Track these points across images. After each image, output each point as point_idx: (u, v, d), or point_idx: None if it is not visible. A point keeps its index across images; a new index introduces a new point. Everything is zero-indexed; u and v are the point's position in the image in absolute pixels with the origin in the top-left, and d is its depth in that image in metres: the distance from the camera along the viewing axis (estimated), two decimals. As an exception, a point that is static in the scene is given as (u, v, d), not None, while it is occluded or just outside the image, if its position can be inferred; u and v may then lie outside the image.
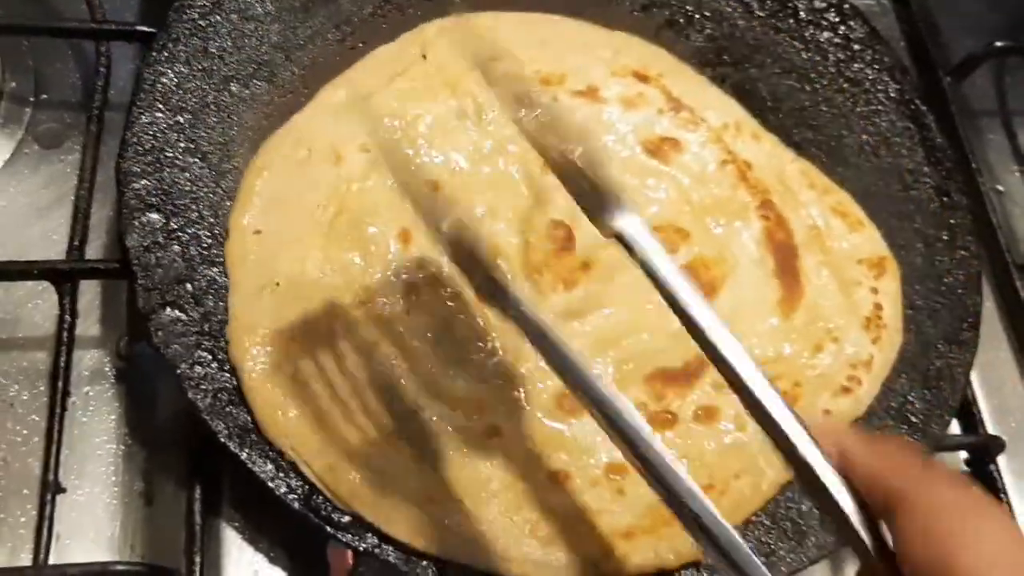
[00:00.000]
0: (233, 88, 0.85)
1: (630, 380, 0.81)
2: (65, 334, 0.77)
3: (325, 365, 0.77)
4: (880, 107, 0.96)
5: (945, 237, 0.91)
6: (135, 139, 0.79)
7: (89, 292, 0.82)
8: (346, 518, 0.72)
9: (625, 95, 0.92)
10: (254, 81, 0.86)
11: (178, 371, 0.73)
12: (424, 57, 0.90)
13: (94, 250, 0.84)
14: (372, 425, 0.76)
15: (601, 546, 0.75)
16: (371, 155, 0.85)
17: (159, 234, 0.77)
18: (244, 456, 0.72)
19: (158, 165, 0.80)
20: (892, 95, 0.96)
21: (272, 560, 0.75)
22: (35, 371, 0.79)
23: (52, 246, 0.84)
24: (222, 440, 0.72)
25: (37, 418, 0.77)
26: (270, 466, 0.72)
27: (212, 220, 0.80)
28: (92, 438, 0.78)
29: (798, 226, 0.90)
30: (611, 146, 0.90)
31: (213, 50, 0.85)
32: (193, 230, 0.79)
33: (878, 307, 0.87)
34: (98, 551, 0.74)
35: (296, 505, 0.71)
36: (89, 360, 0.81)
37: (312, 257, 0.80)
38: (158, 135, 0.81)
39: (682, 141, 0.91)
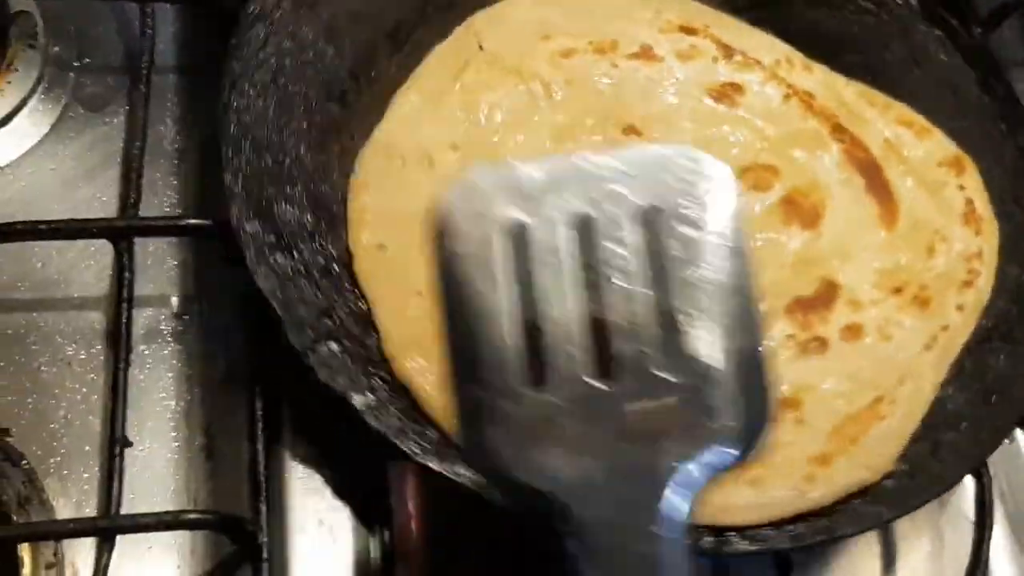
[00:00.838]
0: (309, 115, 0.83)
1: (772, 316, 0.82)
2: (124, 291, 0.78)
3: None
4: (907, 22, 1.00)
5: (1003, 128, 0.96)
6: (237, 187, 0.77)
7: (141, 252, 0.82)
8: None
9: (679, 49, 0.94)
10: (327, 104, 0.85)
11: (354, 403, 0.71)
12: (481, 48, 0.91)
13: (145, 210, 0.84)
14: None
15: (804, 475, 0.76)
16: (460, 152, 0.85)
17: (288, 272, 0.76)
18: (451, 471, 0.70)
19: (263, 205, 0.78)
20: (914, 6, 1.00)
21: (334, 509, 0.76)
22: (91, 330, 0.81)
23: (102, 207, 0.85)
24: (419, 460, 0.70)
25: (95, 377, 0.79)
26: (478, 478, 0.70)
27: (330, 247, 0.79)
28: (151, 395, 0.79)
29: (872, 143, 0.93)
30: (677, 99, 0.92)
31: (281, 82, 0.83)
32: (316, 260, 0.78)
33: (969, 202, 0.91)
34: (162, 505, 0.75)
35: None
36: (144, 319, 0.82)
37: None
38: (253, 176, 0.79)
39: (743, 83, 0.94)
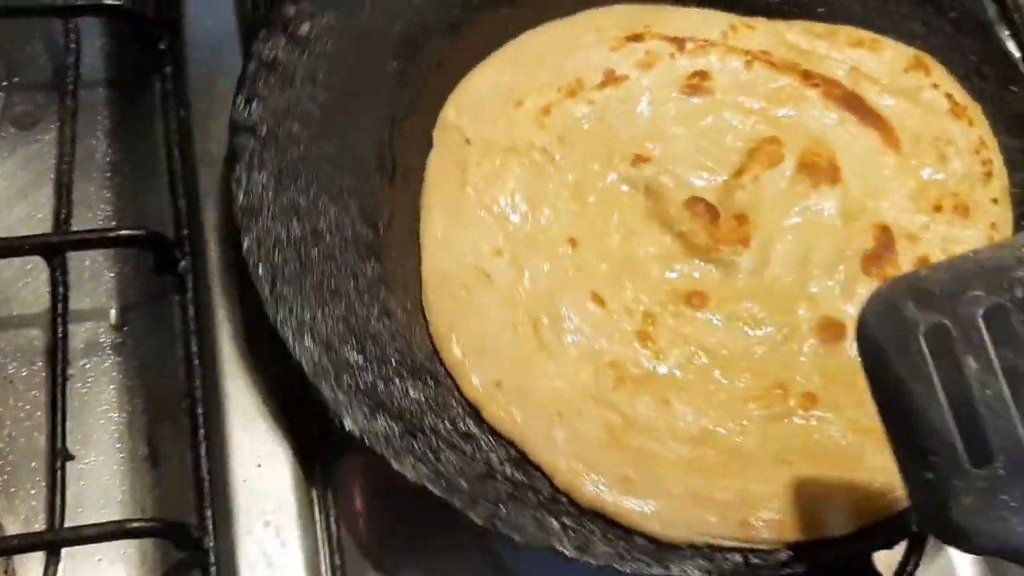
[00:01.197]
0: (357, 289, 0.80)
1: (853, 280, 0.86)
2: (60, 307, 0.79)
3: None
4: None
5: (933, 9, 1.00)
6: (342, 395, 0.74)
7: (77, 266, 0.84)
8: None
9: (637, 60, 0.94)
10: (364, 266, 0.82)
11: (565, 551, 0.71)
12: (468, 141, 0.88)
13: (78, 225, 0.85)
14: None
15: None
16: (505, 255, 0.84)
17: (430, 454, 0.73)
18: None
19: (377, 400, 0.75)
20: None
21: (281, 509, 0.76)
22: (31, 348, 0.83)
23: (37, 225, 0.88)
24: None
25: (37, 394, 0.81)
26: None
27: (455, 407, 0.78)
28: (93, 408, 0.82)
29: (840, 75, 0.96)
30: (656, 108, 0.92)
31: (313, 277, 0.80)
32: (447, 427, 0.76)
33: (948, 96, 0.96)
34: (110, 516, 0.77)
35: None
36: (83, 333, 0.84)
37: (553, 372, 0.79)
38: (348, 373, 0.76)
39: (706, 68, 0.95)
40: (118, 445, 0.80)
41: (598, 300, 0.82)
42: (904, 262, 0.87)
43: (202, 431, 0.76)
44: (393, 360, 0.77)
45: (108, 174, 0.92)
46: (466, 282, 0.82)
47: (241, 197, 0.80)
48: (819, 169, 0.90)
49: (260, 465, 0.77)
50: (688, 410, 0.79)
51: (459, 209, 0.85)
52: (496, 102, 0.90)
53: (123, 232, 0.84)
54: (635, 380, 0.79)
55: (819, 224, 0.88)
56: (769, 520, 0.75)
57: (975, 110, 0.95)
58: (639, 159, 0.89)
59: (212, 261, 0.84)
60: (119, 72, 0.97)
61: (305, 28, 0.88)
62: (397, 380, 0.77)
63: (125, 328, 0.85)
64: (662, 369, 0.80)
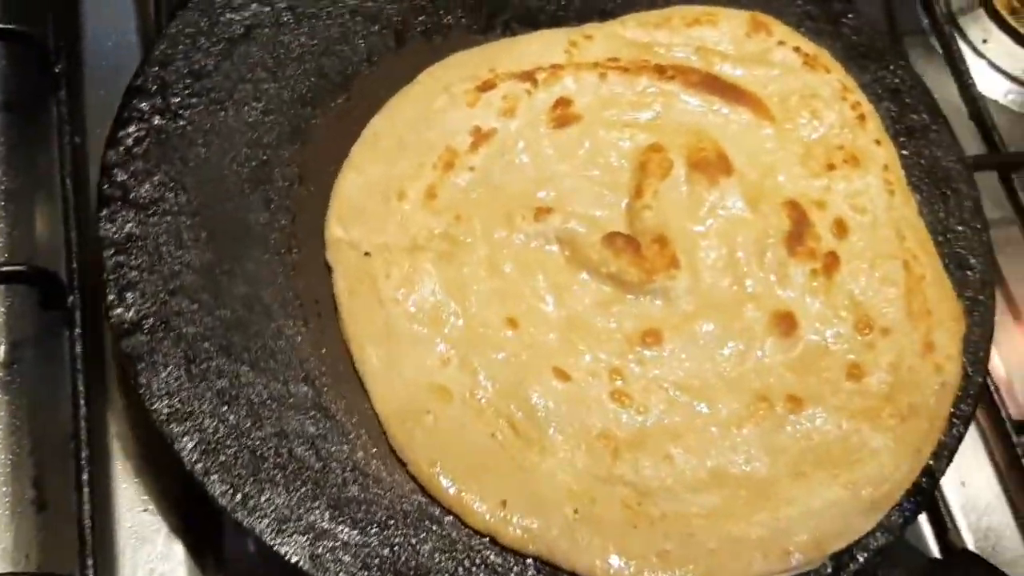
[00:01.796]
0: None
1: (786, 266, 0.87)
2: None
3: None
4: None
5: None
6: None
7: None
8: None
9: (497, 109, 0.91)
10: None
11: None
12: (367, 253, 0.83)
13: None
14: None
15: (928, 370, 0.83)
16: (453, 361, 0.80)
17: None
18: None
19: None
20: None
21: (167, 556, 0.77)
22: None
23: None
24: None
25: None
26: None
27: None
28: None
29: (690, 59, 0.96)
30: (534, 153, 0.89)
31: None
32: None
33: (797, 49, 0.98)
34: None
35: None
36: None
37: (550, 467, 0.77)
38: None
39: (565, 95, 0.93)
40: (3, 488, 0.76)
41: (561, 375, 0.80)
42: (822, 231, 0.88)
43: (86, 475, 0.73)
44: (386, 519, 0.73)
45: (2, 203, 0.88)
46: (426, 406, 0.77)
47: (159, 406, 0.73)
48: (710, 163, 0.90)
49: (147, 510, 0.76)
50: (690, 457, 0.78)
51: (388, 331, 0.80)
52: (377, 202, 0.85)
53: (4, 268, 0.81)
54: (629, 444, 0.78)
55: (731, 219, 0.89)
56: (807, 541, 0.75)
57: (825, 56, 0.97)
58: (539, 211, 0.86)
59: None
60: (15, 95, 0.93)
61: (146, 190, 0.80)
62: (401, 539, 0.72)
63: (14, 365, 0.81)
64: (649, 422, 0.79)
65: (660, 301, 0.85)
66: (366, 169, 0.86)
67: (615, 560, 0.73)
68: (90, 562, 0.70)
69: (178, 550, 0.76)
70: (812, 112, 0.94)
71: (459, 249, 0.84)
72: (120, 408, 0.80)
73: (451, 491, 0.74)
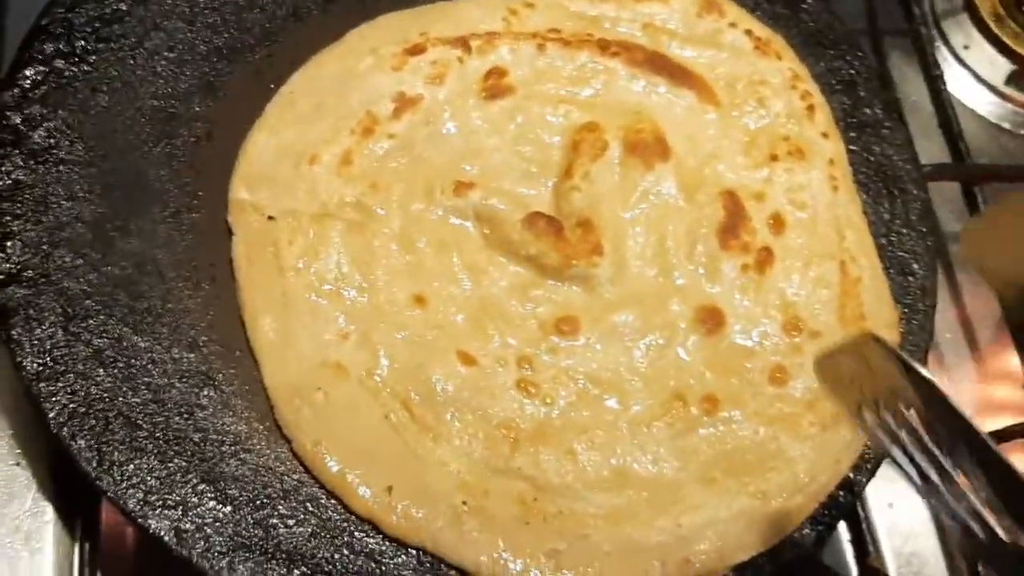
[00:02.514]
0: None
1: (715, 259, 0.84)
2: None
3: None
4: None
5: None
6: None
7: None
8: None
9: (425, 75, 0.88)
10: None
11: None
12: (271, 217, 0.80)
13: None
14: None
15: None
16: (352, 336, 0.77)
17: None
18: None
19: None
20: None
21: (35, 514, 0.75)
22: None
23: None
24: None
25: None
26: None
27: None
28: None
29: (636, 36, 0.93)
30: (461, 123, 0.87)
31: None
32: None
33: (749, 33, 0.95)
34: None
35: None
36: None
37: (444, 454, 0.75)
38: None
39: (500, 64, 0.90)
40: None
41: (466, 359, 0.77)
42: (757, 225, 0.86)
43: None
44: (263, 497, 0.70)
45: None
46: (319, 383, 0.75)
47: (29, 363, 0.70)
48: (647, 146, 0.88)
49: (19, 464, 0.75)
50: (594, 454, 0.75)
51: (286, 301, 0.77)
52: (287, 165, 0.82)
53: None
54: (531, 437, 0.75)
55: (664, 207, 0.86)
56: (708, 551, 0.73)
57: (778, 41, 0.95)
58: (461, 186, 0.84)
59: None
60: None
61: (39, 135, 0.77)
62: (277, 519, 0.70)
63: None
64: (554, 414, 0.77)
65: (580, 288, 0.82)
66: (280, 130, 0.83)
67: (503, 556, 0.71)
68: None
69: (48, 509, 0.74)
70: (759, 100, 0.92)
71: (371, 220, 0.81)
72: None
73: (335, 471, 0.72)
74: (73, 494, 0.75)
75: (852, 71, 0.96)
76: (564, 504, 0.73)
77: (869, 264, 0.86)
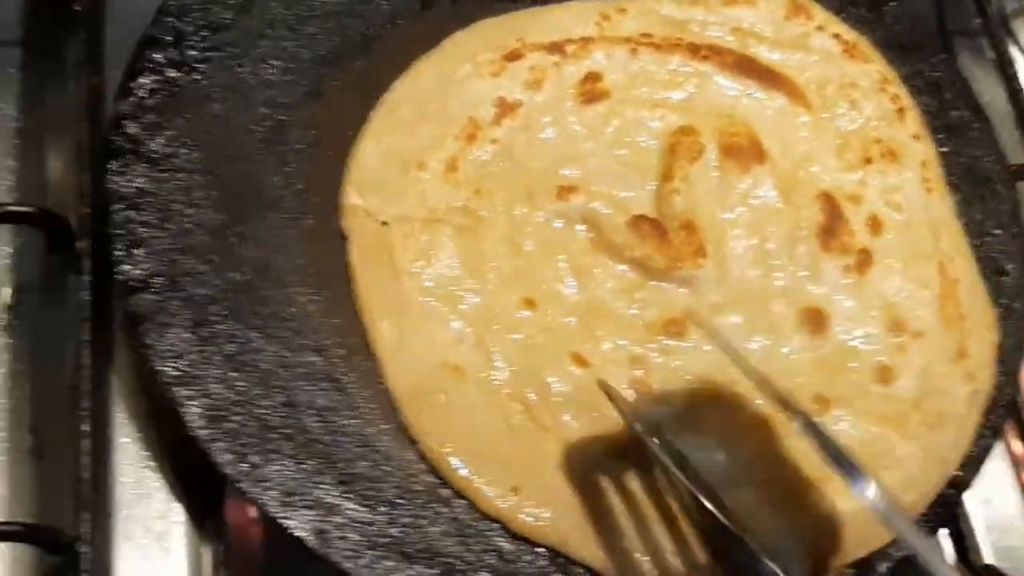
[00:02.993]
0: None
1: (816, 260, 0.87)
2: None
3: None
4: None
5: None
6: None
7: None
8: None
9: (524, 80, 0.90)
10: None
11: None
12: (385, 223, 0.83)
13: None
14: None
15: (959, 378, 0.83)
16: (467, 339, 0.80)
17: None
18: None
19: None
20: None
21: (166, 515, 0.77)
22: None
23: None
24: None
25: None
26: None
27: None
28: None
29: (725, 39, 0.96)
30: (560, 128, 0.89)
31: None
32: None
33: (836, 36, 0.97)
34: None
35: None
36: None
37: (562, 453, 0.77)
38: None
39: (595, 69, 0.92)
40: (2, 434, 0.77)
41: (579, 360, 0.80)
42: (856, 226, 0.88)
43: (87, 426, 0.72)
44: (396, 498, 0.73)
45: (16, 141, 0.88)
46: (439, 385, 0.77)
47: (165, 368, 0.72)
48: (742, 149, 0.90)
49: (148, 466, 0.76)
50: (711, 453, 0.78)
51: (402, 304, 0.80)
52: (395, 171, 0.84)
53: (11, 208, 0.81)
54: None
55: (762, 208, 0.88)
56: (830, 544, 0.75)
57: (865, 44, 0.97)
58: (563, 190, 0.86)
59: None
60: (34, 32, 0.92)
61: (158, 144, 0.80)
62: (409, 519, 0.72)
63: (18, 308, 0.81)
64: (666, 415, 0.79)
65: (685, 290, 0.85)
66: (384, 138, 0.86)
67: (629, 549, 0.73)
68: (86, 516, 0.70)
69: (178, 510, 0.76)
70: (850, 102, 0.94)
71: (479, 224, 0.84)
72: (125, 362, 0.80)
73: (462, 474, 0.74)
74: (202, 496, 0.76)
75: (937, 73, 0.98)
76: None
77: (965, 265, 0.88)
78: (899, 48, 0.99)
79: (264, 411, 0.73)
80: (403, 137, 0.86)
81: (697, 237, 0.86)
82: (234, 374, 0.74)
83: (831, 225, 0.88)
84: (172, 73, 0.82)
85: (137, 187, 0.78)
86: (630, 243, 0.84)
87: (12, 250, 0.83)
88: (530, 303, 0.82)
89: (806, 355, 0.83)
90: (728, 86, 0.93)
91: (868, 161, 0.91)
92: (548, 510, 0.74)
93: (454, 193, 0.84)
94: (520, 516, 0.74)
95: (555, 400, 0.78)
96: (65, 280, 0.80)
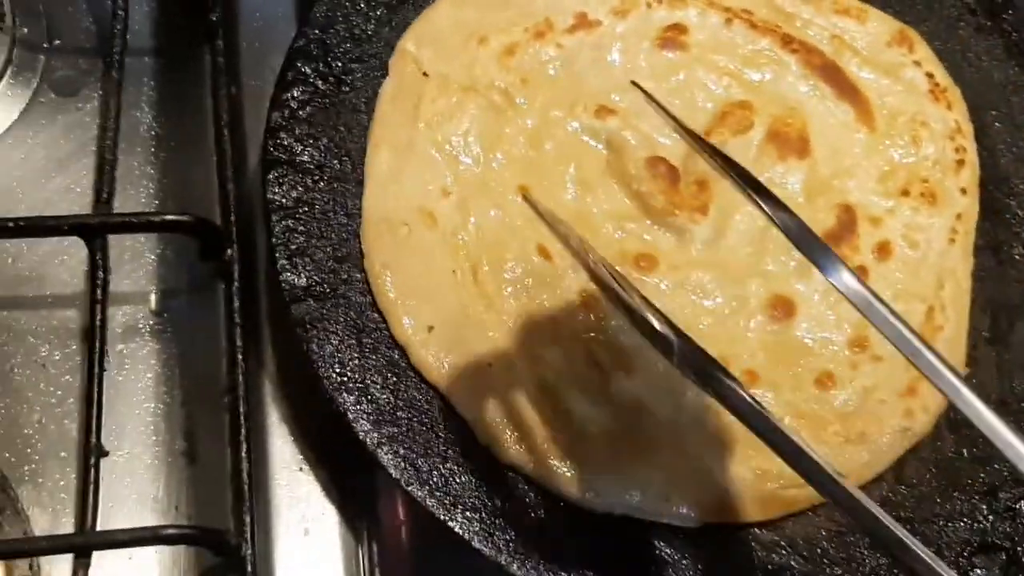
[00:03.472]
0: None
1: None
2: (99, 291, 0.80)
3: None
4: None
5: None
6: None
7: (118, 246, 0.85)
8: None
9: (612, 6, 0.95)
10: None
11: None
12: (425, 74, 0.89)
13: (120, 202, 0.86)
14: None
15: (902, 412, 0.84)
16: (452, 196, 0.85)
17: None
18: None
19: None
20: None
21: (322, 517, 0.80)
22: (65, 330, 0.82)
23: (76, 199, 0.87)
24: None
25: (71, 378, 0.80)
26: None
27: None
28: (130, 397, 0.81)
29: (821, 42, 0.98)
30: (628, 59, 0.94)
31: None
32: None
33: (929, 76, 0.98)
34: (142, 514, 0.78)
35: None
36: (122, 317, 0.84)
37: (491, 323, 0.81)
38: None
39: (683, 22, 0.96)
40: (154, 438, 0.80)
41: (544, 253, 0.84)
42: (863, 245, 0.90)
43: (244, 430, 0.75)
44: (552, 507, 0.78)
45: (153, 149, 0.91)
46: (408, 221, 0.83)
47: (330, 374, 0.77)
48: (788, 140, 0.93)
49: (302, 469, 0.80)
50: (625, 381, 0.81)
51: (409, 145, 0.86)
52: (458, 37, 0.91)
53: (168, 217, 0.84)
54: (573, 339, 0.82)
55: (782, 198, 0.90)
56: (690, 500, 0.78)
57: (955, 93, 0.98)
58: (604, 111, 0.91)
59: (260, 249, 0.84)
60: (168, 41, 0.96)
61: (311, 155, 0.85)
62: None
63: (165, 314, 0.85)
64: (601, 337, 0.83)
65: (674, 237, 0.88)
66: (463, 8, 0.92)
67: (502, 423, 0.78)
68: (247, 518, 0.73)
69: (332, 512, 0.80)
70: (914, 138, 0.95)
71: (511, 109, 0.89)
72: (272, 368, 0.84)
73: (390, 295, 0.80)
74: (353, 497, 0.81)
75: None
76: (571, 404, 0.80)
77: (957, 320, 0.89)
78: (1020, 55, 1.00)
79: (425, 416, 0.77)
80: (480, 12, 0.92)
81: (706, 195, 0.89)
82: (395, 380, 0.78)
83: (839, 234, 0.90)
84: (321, 85, 0.87)
85: (295, 197, 0.82)
86: (641, 176, 0.89)
87: (155, 257, 0.87)
88: (525, 191, 0.87)
89: (759, 334, 0.85)
90: (804, 84, 0.96)
91: (905, 194, 0.92)
92: (450, 360, 0.79)
93: (501, 74, 0.90)
94: (423, 351, 0.79)
95: (505, 276, 0.83)
96: (208, 287, 0.84)
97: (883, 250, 0.90)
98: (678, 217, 0.88)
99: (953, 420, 0.85)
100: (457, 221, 0.84)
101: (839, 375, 0.85)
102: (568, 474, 0.77)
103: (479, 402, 0.78)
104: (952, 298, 0.89)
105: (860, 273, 0.88)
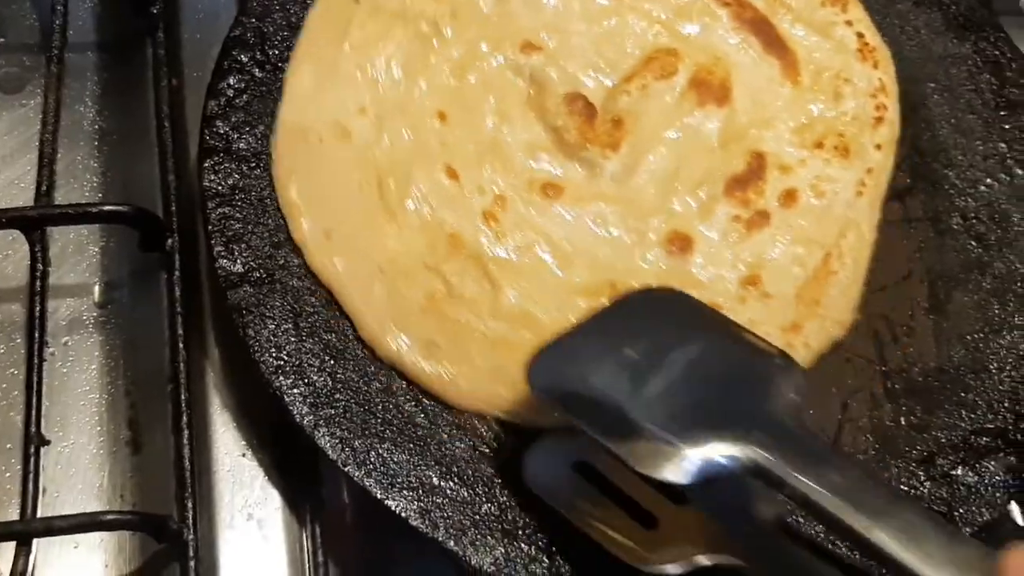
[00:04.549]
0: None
1: (714, 201, 0.93)
2: (38, 283, 0.84)
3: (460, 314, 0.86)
4: None
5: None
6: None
7: (62, 239, 0.89)
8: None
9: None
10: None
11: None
12: (357, 2, 0.96)
13: (63, 195, 0.90)
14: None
15: (783, 346, 0.88)
16: (369, 114, 0.92)
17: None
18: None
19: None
20: None
21: (263, 501, 0.83)
22: (10, 323, 0.86)
23: (19, 194, 0.90)
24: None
25: (16, 371, 0.84)
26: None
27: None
28: (74, 389, 0.84)
29: (756, -1, 1.03)
30: (562, 1, 0.99)
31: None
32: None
33: (860, 36, 1.03)
34: (87, 502, 0.81)
35: None
36: (66, 310, 0.87)
37: (390, 234, 0.87)
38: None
39: (617, -26, 1.02)
40: (98, 428, 0.82)
41: (452, 174, 0.90)
42: (770, 190, 0.94)
43: (186, 417, 0.78)
44: (495, 478, 0.81)
45: (96, 142, 0.94)
46: (323, 133, 0.90)
47: (266, 359, 0.80)
48: (710, 88, 0.98)
49: (244, 455, 0.83)
50: (514, 292, 0.87)
51: (333, 64, 0.93)
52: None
53: (106, 207, 0.86)
54: (470, 256, 0.87)
55: (696, 143, 0.96)
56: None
57: (884, 53, 1.02)
58: (530, 47, 0.96)
59: (202, 239, 0.86)
60: (110, 35, 0.99)
61: (247, 142, 0.89)
62: (505, 497, 0.81)
63: (110, 306, 0.87)
64: (500, 252, 0.88)
65: (584, 171, 0.93)
66: (401, -60, 0.99)
67: (386, 322, 0.84)
68: (189, 504, 0.75)
69: (275, 496, 0.82)
70: (836, 94, 1.00)
71: (438, 38, 0.95)
72: (216, 355, 0.87)
73: (293, 197, 0.87)
74: (297, 481, 0.84)
75: (997, 52, 1.03)
76: (464, 315, 0.85)
77: (852, 267, 0.93)
78: (960, 28, 1.05)
79: (363, 397, 0.81)
80: (418, -53, 0.98)
81: (620, 133, 0.94)
82: (332, 362, 0.82)
83: (746, 178, 0.95)
84: (258, 73, 0.91)
85: (231, 184, 0.86)
86: (557, 111, 0.94)
87: (98, 250, 0.90)
88: (443, 117, 0.93)
89: (655, 267, 0.90)
90: (733, 36, 1.01)
91: (819, 146, 0.97)
92: (343, 264, 0.85)
93: (432, 5, 0.96)
94: (318, 254, 0.85)
95: (411, 192, 0.89)
96: (151, 277, 0.86)
97: (789, 197, 0.95)
98: (589, 151, 0.93)
99: (891, 389, 0.89)
100: (370, 138, 0.91)
101: (725, 308, 0.89)
102: (444, 376, 0.83)
103: (366, 301, 0.84)
104: (852, 247, 0.94)
105: (760, 218, 0.93)
